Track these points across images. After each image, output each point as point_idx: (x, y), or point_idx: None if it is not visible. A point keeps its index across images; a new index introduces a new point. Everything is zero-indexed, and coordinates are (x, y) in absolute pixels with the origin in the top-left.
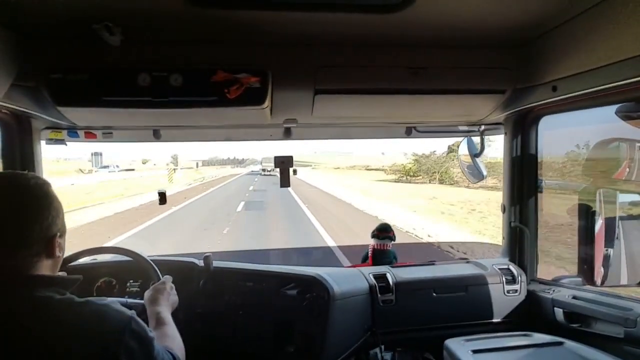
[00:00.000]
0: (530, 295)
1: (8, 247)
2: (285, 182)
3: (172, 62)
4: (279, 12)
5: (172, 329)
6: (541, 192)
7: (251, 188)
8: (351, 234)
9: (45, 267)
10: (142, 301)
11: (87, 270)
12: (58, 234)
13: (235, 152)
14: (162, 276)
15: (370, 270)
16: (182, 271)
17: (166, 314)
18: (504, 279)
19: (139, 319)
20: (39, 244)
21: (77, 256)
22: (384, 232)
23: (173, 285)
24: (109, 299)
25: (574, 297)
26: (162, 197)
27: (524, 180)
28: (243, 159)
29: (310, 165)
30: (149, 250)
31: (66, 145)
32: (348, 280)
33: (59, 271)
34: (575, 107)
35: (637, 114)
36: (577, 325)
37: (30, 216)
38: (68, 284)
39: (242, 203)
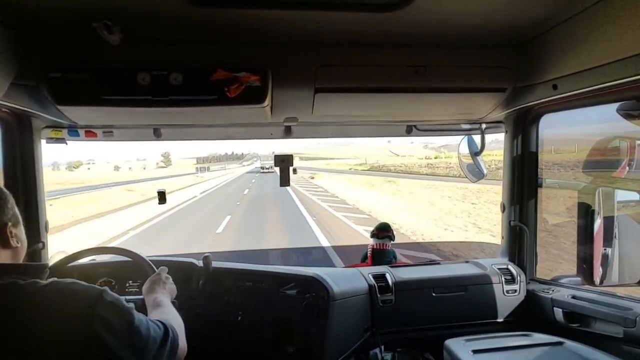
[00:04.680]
0: (530, 295)
1: None
2: (285, 181)
3: (171, 61)
4: (278, 10)
5: (167, 307)
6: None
7: None
8: None
9: (3, 257)
10: (141, 297)
11: (86, 271)
12: (9, 223)
13: (234, 147)
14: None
15: (369, 270)
16: (181, 271)
17: (162, 298)
18: (503, 278)
19: (111, 292)
20: None
21: (75, 257)
22: (383, 231)
23: (169, 276)
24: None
25: (573, 297)
26: (162, 197)
27: (524, 179)
28: (242, 154)
29: (322, 160)
30: (147, 252)
31: (66, 144)
32: (347, 280)
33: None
34: (575, 105)
35: (638, 112)
36: (576, 325)
37: None
38: (31, 271)
39: None
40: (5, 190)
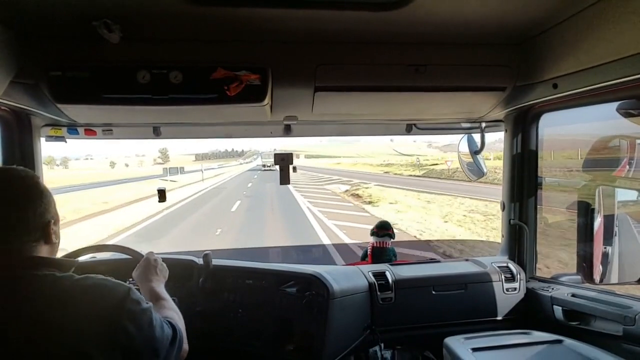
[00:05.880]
0: (530, 293)
1: (10, 233)
2: (284, 179)
3: (171, 60)
4: (278, 9)
5: (169, 302)
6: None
7: None
8: None
9: (43, 252)
10: None
11: (86, 268)
12: (52, 220)
13: (234, 144)
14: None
15: (369, 268)
16: (181, 269)
17: (159, 288)
18: (503, 277)
19: (135, 290)
20: (36, 230)
21: (75, 254)
22: (383, 229)
23: (157, 257)
24: None
25: (573, 295)
26: (162, 195)
27: (524, 178)
28: (242, 150)
29: (331, 159)
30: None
31: (66, 142)
32: (347, 278)
33: None
34: (575, 104)
35: (637, 111)
36: (576, 323)
37: (26, 204)
38: (66, 265)
39: None
40: (49, 191)
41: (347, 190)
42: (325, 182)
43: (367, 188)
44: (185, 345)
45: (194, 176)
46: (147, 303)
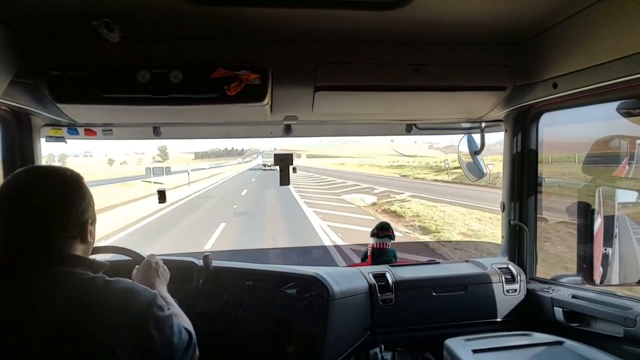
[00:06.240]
0: (530, 295)
1: (50, 229)
2: (284, 180)
3: (171, 59)
4: (278, 8)
5: (177, 308)
6: (541, 191)
7: None
8: None
9: (78, 250)
10: None
11: None
12: (90, 220)
13: (235, 143)
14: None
15: (369, 270)
16: (181, 271)
17: (164, 292)
18: (503, 278)
19: (160, 297)
20: (74, 228)
21: None
22: (383, 230)
23: (158, 260)
24: None
25: (574, 296)
26: (162, 196)
27: (523, 178)
28: (242, 149)
29: (333, 159)
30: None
31: (66, 142)
32: (347, 279)
33: None
34: (575, 104)
35: (637, 111)
36: (576, 324)
37: (67, 202)
38: (97, 267)
39: None
40: (90, 192)
41: (374, 204)
42: (340, 190)
43: (403, 201)
44: (197, 352)
45: (182, 178)
46: (168, 309)
